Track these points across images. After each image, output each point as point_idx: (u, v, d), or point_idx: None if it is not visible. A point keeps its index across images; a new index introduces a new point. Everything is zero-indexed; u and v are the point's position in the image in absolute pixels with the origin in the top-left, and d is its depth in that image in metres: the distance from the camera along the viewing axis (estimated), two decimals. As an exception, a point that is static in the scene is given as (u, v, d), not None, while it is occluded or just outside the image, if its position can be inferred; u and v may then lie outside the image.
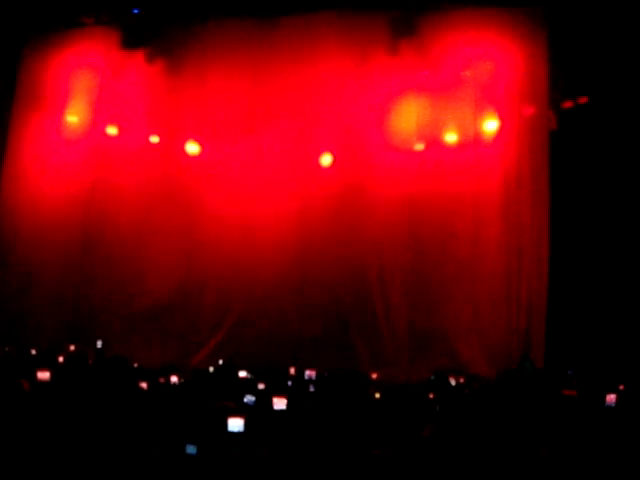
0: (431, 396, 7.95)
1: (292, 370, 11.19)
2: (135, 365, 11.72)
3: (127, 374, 8.55)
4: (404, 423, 5.09)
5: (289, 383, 9.62)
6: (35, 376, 6.90)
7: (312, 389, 8.68)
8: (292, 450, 4.27)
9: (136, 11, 14.41)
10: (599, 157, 11.83)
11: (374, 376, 11.47)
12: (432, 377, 10.75)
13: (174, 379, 9.61)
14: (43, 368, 7.06)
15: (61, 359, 10.68)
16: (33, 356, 11.21)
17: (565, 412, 6.23)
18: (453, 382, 9.89)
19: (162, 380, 9.24)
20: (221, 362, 11.95)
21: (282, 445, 4.38)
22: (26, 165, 14.60)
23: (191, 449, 4.56)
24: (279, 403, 5.96)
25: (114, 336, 13.05)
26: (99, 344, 12.58)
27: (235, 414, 4.92)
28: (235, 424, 4.88)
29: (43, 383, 6.83)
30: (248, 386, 8.02)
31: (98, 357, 11.96)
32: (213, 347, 13.33)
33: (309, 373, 10.40)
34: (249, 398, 6.21)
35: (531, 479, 3.40)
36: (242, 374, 9.81)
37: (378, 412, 5.60)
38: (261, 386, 8.25)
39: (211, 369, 11.39)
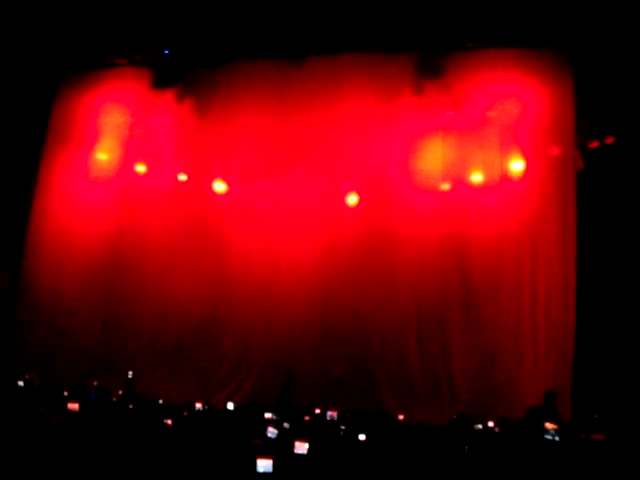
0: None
1: (317, 410, 11.15)
2: (160, 401, 11.80)
3: (151, 412, 8.62)
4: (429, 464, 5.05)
5: (309, 424, 9.59)
6: (65, 407, 7.16)
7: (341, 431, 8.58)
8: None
9: (167, 52, 14.73)
10: (626, 197, 11.75)
11: (401, 417, 11.37)
12: (455, 417, 10.69)
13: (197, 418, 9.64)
14: (73, 400, 7.38)
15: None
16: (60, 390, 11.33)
17: (594, 456, 6.14)
18: (480, 426, 9.78)
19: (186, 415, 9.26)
20: (231, 405, 11.86)
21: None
22: (56, 201, 14.89)
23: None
24: (300, 447, 5.93)
25: (140, 371, 13.08)
26: (130, 375, 12.64)
27: (264, 455, 4.92)
28: (264, 464, 4.88)
29: (73, 413, 7.07)
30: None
31: (128, 388, 12.07)
32: (236, 385, 13.29)
33: (331, 414, 10.35)
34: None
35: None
36: (267, 415, 9.77)
37: (404, 453, 5.57)
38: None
39: (231, 406, 11.38)
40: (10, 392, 9.88)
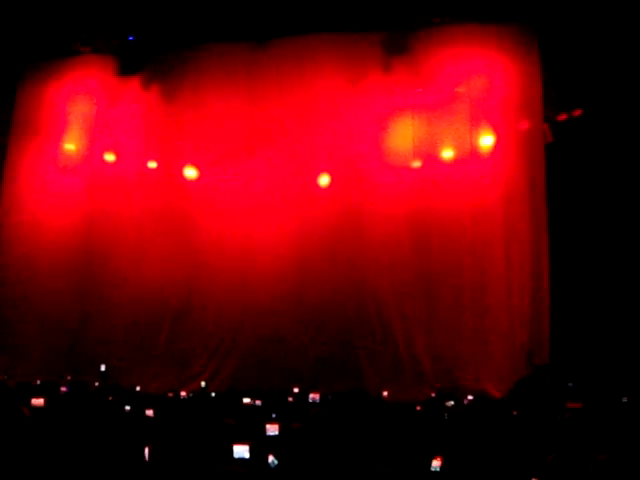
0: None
1: (295, 389, 11.24)
2: (138, 388, 11.81)
3: (129, 401, 8.58)
4: (408, 441, 5.09)
5: (290, 403, 9.64)
6: (30, 403, 7.14)
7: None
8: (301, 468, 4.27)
9: (131, 38, 14.50)
10: (596, 168, 11.85)
11: (385, 394, 11.47)
12: (434, 395, 10.83)
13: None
14: (38, 395, 7.38)
15: (62, 388, 10.74)
16: (33, 386, 11.28)
17: (570, 423, 6.23)
18: (452, 403, 9.90)
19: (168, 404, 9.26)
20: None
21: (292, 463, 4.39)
22: (24, 193, 14.56)
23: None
24: (271, 430, 5.97)
25: (115, 362, 12.98)
26: (102, 367, 12.57)
27: (240, 441, 4.90)
28: (240, 450, 4.86)
29: (37, 409, 7.04)
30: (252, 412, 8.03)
31: (102, 381, 12.04)
32: (214, 371, 13.27)
33: (313, 396, 10.40)
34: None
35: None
36: (246, 400, 9.81)
37: (383, 430, 5.60)
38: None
39: (212, 394, 11.47)
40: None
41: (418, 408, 9.16)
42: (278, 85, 13.76)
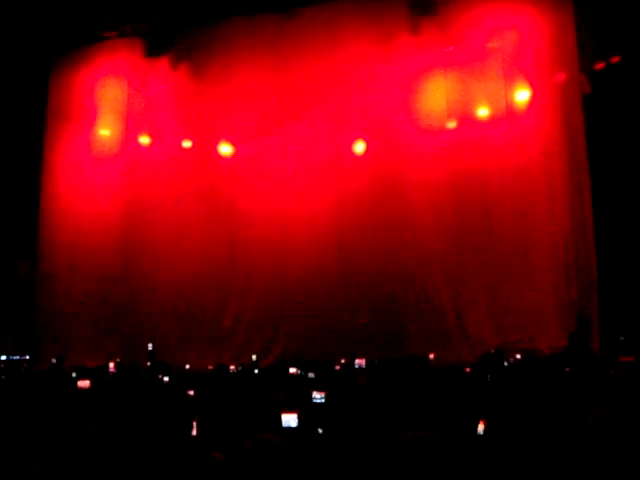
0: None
1: (342, 360, 11.28)
2: (187, 366, 11.97)
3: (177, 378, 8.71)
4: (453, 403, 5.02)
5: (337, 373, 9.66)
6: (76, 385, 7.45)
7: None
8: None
9: (156, 19, 14.50)
10: (637, 117, 11.47)
11: (431, 357, 11.40)
12: (491, 351, 10.67)
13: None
14: (83, 378, 7.77)
15: (112, 370, 10.98)
16: (86, 368, 11.57)
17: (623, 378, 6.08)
18: (505, 362, 9.77)
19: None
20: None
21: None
22: (63, 182, 14.85)
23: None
24: (318, 397, 6.00)
25: (162, 341, 13.18)
26: (150, 347, 12.80)
27: (289, 410, 4.92)
28: (288, 419, 4.88)
29: (84, 390, 7.33)
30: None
31: (150, 360, 12.25)
32: (263, 345, 13.36)
33: (359, 362, 10.42)
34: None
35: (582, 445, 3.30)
36: (292, 370, 9.86)
37: (428, 393, 5.54)
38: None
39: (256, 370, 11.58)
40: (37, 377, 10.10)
41: (467, 370, 9.09)
42: (306, 54, 13.66)
